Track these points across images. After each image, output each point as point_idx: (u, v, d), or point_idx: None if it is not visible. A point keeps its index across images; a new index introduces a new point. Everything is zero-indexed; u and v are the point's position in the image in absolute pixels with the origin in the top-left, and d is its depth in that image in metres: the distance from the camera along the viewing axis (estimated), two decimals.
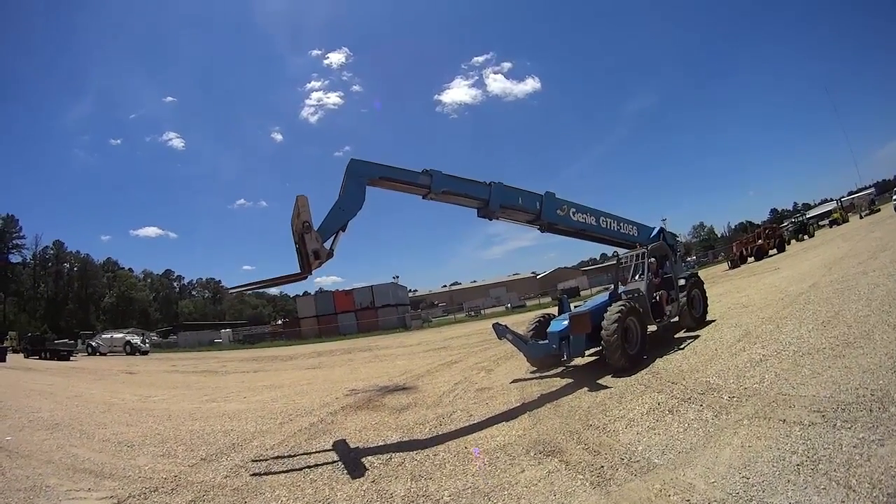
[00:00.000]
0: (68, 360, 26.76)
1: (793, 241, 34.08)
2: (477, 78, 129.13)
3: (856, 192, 61.89)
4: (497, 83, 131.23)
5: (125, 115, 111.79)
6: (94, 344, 33.29)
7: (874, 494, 2.46)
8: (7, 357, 24.16)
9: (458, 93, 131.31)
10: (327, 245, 5.53)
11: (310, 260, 5.28)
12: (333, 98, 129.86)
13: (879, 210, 38.95)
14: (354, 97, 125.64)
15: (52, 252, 75.14)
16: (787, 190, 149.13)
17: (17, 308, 62.95)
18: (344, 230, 5.77)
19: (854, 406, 3.58)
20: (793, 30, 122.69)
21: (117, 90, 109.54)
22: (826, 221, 45.13)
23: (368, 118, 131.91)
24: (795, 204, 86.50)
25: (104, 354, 31.80)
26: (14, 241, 70.62)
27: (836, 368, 4.54)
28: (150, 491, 4.43)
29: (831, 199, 55.09)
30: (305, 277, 5.52)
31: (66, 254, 76.60)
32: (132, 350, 32.75)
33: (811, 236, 35.32)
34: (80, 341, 35.39)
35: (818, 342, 5.60)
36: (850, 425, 3.30)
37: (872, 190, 59.51)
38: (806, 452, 3.10)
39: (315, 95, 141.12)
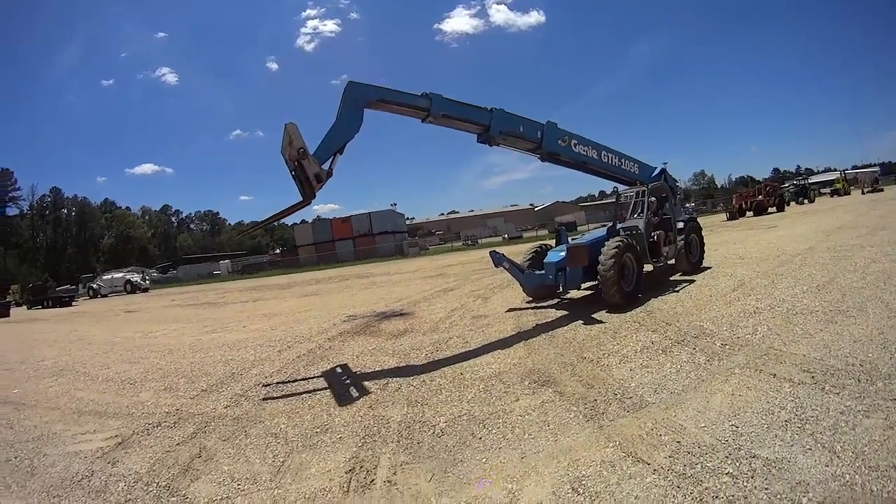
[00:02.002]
0: (70, 305, 26.95)
1: (792, 203, 34.09)
2: (479, 7, 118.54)
3: (861, 168, 61.25)
4: (500, 14, 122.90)
5: (116, 55, 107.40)
6: (94, 286, 33.48)
7: (857, 464, 2.51)
8: (10, 311, 24.12)
9: (460, 22, 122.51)
10: (325, 167, 5.41)
11: (312, 184, 5.22)
12: (331, 26, 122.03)
13: (882, 190, 38.98)
14: (352, 25, 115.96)
15: (49, 199, 73.36)
16: (791, 152, 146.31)
17: (18, 260, 62.54)
18: (341, 153, 5.65)
19: (843, 373, 3.66)
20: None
21: (108, 30, 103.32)
22: (828, 190, 45.22)
23: (366, 46, 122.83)
24: (798, 167, 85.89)
25: (105, 296, 32.12)
26: (10, 195, 69.39)
27: (827, 332, 4.62)
28: (152, 426, 4.48)
29: (835, 169, 54.56)
30: (310, 203, 5.48)
31: (63, 200, 74.93)
32: (133, 288, 33.14)
33: (811, 201, 35.36)
34: (80, 285, 35.47)
35: (812, 304, 5.70)
36: (838, 391, 3.37)
37: (878, 169, 59.06)
38: (794, 410, 3.18)
39: (311, 23, 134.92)
